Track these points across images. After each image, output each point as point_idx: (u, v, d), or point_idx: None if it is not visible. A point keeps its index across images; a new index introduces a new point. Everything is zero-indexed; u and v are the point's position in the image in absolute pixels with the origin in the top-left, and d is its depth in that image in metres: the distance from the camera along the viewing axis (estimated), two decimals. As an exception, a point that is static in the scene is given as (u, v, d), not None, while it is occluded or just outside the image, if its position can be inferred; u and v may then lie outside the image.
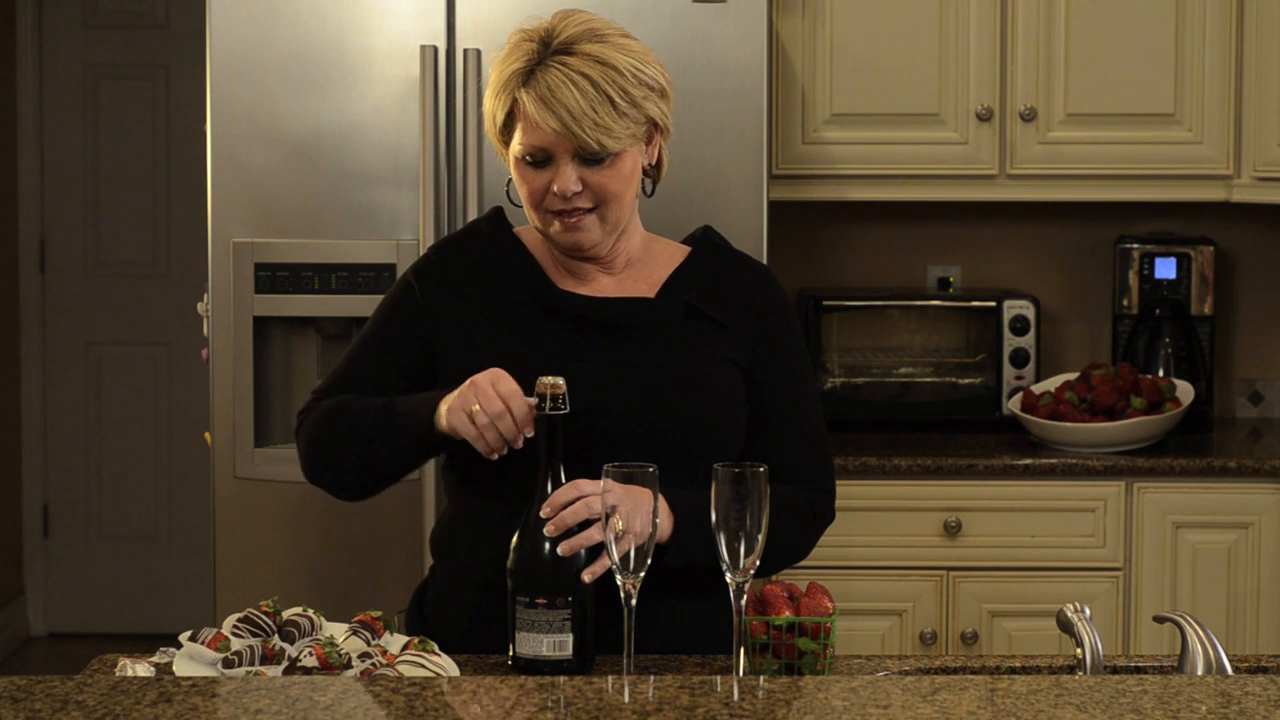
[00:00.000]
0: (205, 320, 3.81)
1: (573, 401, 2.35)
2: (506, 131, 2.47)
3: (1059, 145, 4.26)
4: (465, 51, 3.73)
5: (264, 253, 3.76)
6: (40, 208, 6.40)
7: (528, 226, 2.59)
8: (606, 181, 2.44)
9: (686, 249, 2.61)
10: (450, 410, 2.38)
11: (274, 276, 3.76)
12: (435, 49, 3.73)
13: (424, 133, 3.71)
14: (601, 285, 2.54)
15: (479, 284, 2.53)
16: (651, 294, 2.54)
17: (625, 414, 2.44)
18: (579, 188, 2.44)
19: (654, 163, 2.53)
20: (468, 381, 2.38)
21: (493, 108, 2.47)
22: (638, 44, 2.46)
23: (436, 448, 2.47)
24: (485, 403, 2.35)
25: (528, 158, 2.44)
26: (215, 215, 3.77)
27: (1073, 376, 4.33)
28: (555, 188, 2.43)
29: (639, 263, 2.56)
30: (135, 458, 6.46)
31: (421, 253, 3.68)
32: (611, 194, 2.45)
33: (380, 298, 2.65)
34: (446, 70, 3.75)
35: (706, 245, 2.61)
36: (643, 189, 2.53)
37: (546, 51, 2.42)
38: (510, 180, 2.53)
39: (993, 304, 4.38)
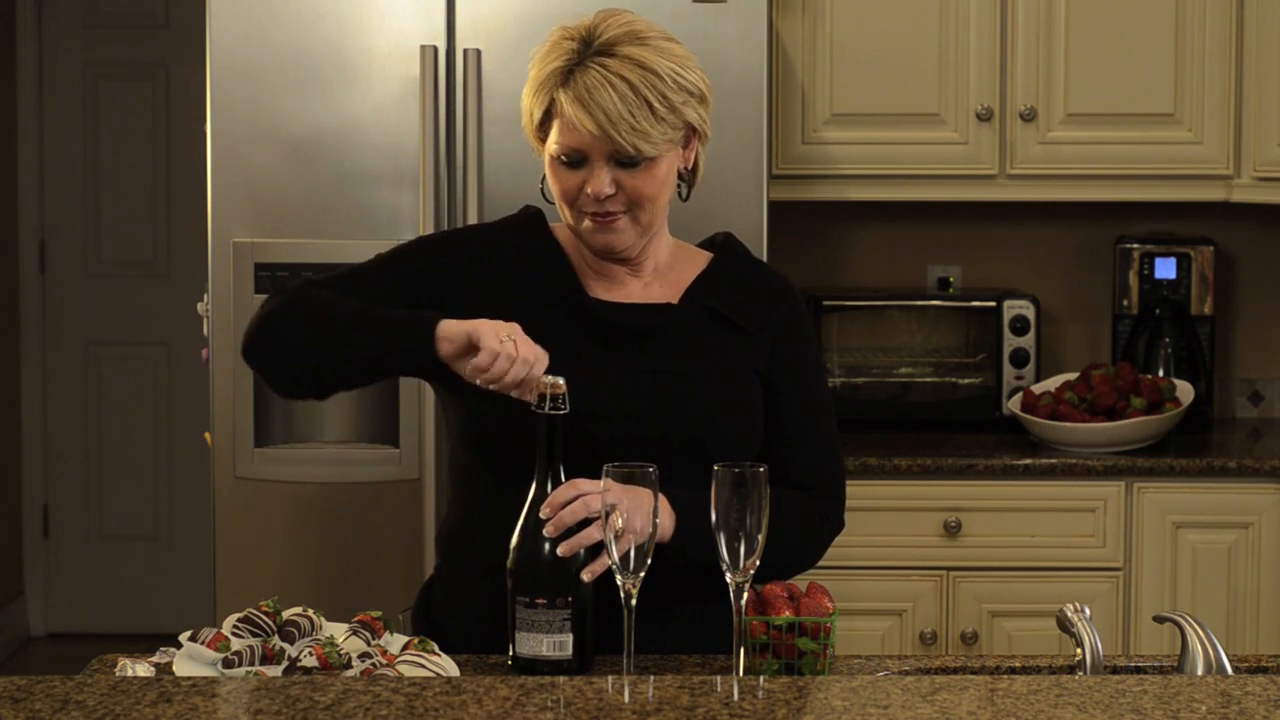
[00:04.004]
0: (205, 320, 3.81)
1: (596, 407, 2.36)
2: (543, 130, 2.46)
3: (1059, 145, 4.26)
4: (465, 51, 3.73)
5: (264, 253, 3.76)
6: (40, 208, 6.40)
7: (558, 226, 2.58)
8: (641, 185, 2.43)
9: (708, 255, 2.60)
10: (479, 324, 2.32)
11: (274, 276, 3.76)
12: (435, 49, 3.73)
13: (424, 133, 3.71)
14: (629, 289, 2.53)
15: (507, 275, 2.52)
16: (675, 299, 2.53)
17: (648, 420, 2.44)
18: (612, 190, 2.42)
19: (690, 168, 2.52)
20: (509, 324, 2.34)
21: (530, 105, 2.45)
22: (679, 47, 2.45)
23: (415, 359, 2.39)
24: (523, 344, 2.31)
25: (563, 157, 2.43)
26: (215, 215, 3.77)
27: (1073, 376, 4.33)
28: (588, 189, 2.42)
29: (664, 268, 2.56)
30: (135, 458, 6.46)
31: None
32: (645, 198, 2.44)
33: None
34: (446, 70, 3.75)
35: (728, 253, 2.61)
36: (678, 193, 2.53)
37: (587, 52, 2.41)
38: (544, 177, 2.52)
39: (993, 304, 4.38)
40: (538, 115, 2.45)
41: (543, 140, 2.47)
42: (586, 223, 2.46)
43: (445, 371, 2.38)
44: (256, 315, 2.47)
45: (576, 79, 2.40)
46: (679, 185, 2.52)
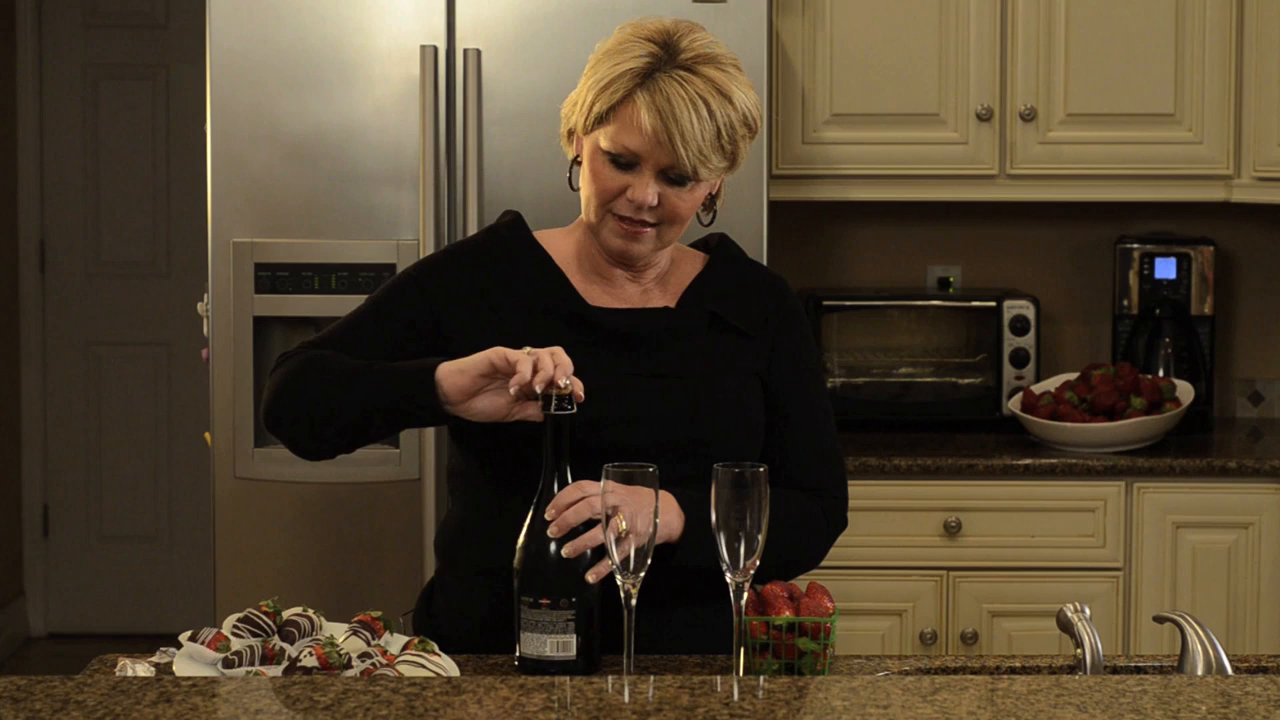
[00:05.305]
0: (205, 320, 3.81)
1: (599, 413, 2.36)
2: (599, 123, 2.42)
3: (1059, 145, 4.26)
4: (465, 51, 3.73)
5: (264, 253, 3.76)
6: (40, 208, 6.40)
7: (548, 232, 2.57)
8: (680, 204, 2.43)
9: (703, 256, 2.60)
10: (488, 351, 2.32)
11: (274, 276, 3.76)
12: (435, 49, 3.73)
13: (424, 133, 3.71)
14: (627, 294, 2.53)
15: (501, 292, 2.51)
16: (672, 303, 2.53)
17: (652, 426, 2.44)
18: (655, 202, 2.42)
19: (714, 192, 2.52)
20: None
21: (592, 97, 2.41)
22: (744, 76, 2.44)
23: (418, 411, 2.39)
24: (542, 361, 2.30)
25: (615, 156, 2.42)
26: (215, 215, 3.77)
27: (1073, 376, 4.33)
28: (631, 195, 2.41)
29: (662, 272, 2.56)
30: (135, 458, 6.46)
31: (426, 255, 3.69)
32: (681, 216, 2.45)
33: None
34: (446, 70, 3.75)
35: (724, 254, 2.61)
36: (698, 219, 2.53)
37: (670, 60, 2.39)
38: (573, 164, 2.51)
39: (993, 304, 4.38)
40: (600, 109, 2.41)
41: (588, 132, 2.44)
42: (612, 224, 2.45)
43: (456, 420, 2.38)
44: (270, 386, 2.47)
45: (659, 85, 2.37)
46: (699, 211, 2.52)
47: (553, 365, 2.29)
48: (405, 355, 2.48)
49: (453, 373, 2.34)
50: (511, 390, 2.31)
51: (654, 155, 2.39)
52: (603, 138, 2.41)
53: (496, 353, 2.32)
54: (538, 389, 2.29)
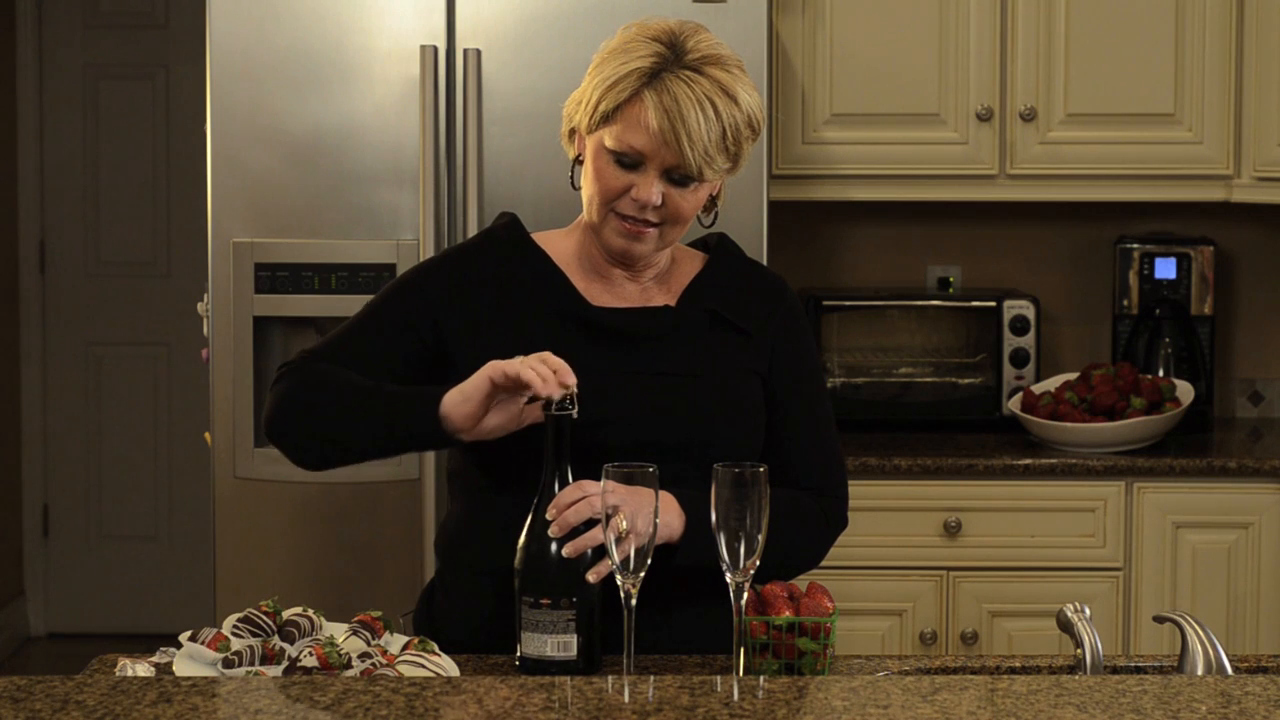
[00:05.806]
0: (205, 320, 3.81)
1: (600, 413, 2.36)
2: (605, 122, 2.42)
3: (1059, 145, 4.26)
4: (465, 51, 3.73)
5: (264, 253, 3.76)
6: (40, 208, 6.40)
7: (547, 233, 2.57)
8: (683, 204, 2.43)
9: (703, 256, 2.60)
10: (487, 369, 2.33)
11: (274, 276, 3.76)
12: (435, 49, 3.73)
13: (424, 133, 3.71)
14: (626, 292, 2.53)
15: (500, 293, 2.51)
16: (672, 301, 2.53)
17: (652, 423, 2.44)
18: (659, 202, 2.42)
19: (715, 193, 2.52)
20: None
21: (598, 96, 2.41)
22: (748, 77, 2.45)
23: (420, 439, 2.42)
24: (538, 365, 2.31)
25: (620, 155, 2.42)
26: (215, 215, 3.77)
27: (1073, 376, 4.33)
28: (635, 194, 2.41)
29: (661, 271, 2.56)
30: (135, 458, 6.46)
31: (426, 255, 3.69)
32: (683, 217, 2.45)
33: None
34: (446, 70, 3.75)
35: (723, 253, 2.61)
36: (698, 220, 2.53)
37: (676, 61, 2.39)
38: (575, 163, 2.51)
39: (993, 304, 4.38)
40: (607, 107, 2.41)
41: (591, 130, 2.44)
42: (614, 224, 2.45)
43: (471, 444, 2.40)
44: (272, 399, 2.48)
45: (666, 85, 2.38)
46: (700, 210, 2.52)
47: (552, 370, 2.29)
48: (406, 360, 2.48)
49: (457, 404, 2.35)
50: (524, 403, 2.33)
51: (659, 155, 2.39)
52: (608, 137, 2.42)
53: (494, 369, 2.32)
54: (556, 397, 2.30)
